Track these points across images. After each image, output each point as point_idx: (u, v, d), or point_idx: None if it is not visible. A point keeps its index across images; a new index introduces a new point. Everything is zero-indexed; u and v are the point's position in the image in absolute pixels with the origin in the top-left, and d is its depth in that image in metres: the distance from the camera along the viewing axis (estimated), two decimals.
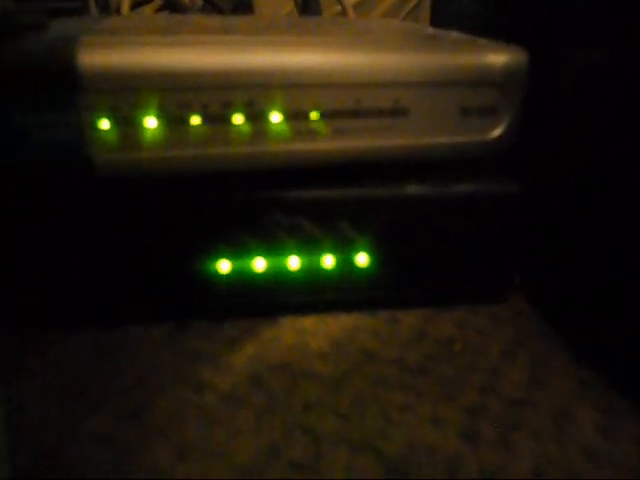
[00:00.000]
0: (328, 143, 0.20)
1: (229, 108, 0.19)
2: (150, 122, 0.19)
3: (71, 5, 0.28)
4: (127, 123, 0.19)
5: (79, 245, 0.20)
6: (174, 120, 0.19)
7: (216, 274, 0.21)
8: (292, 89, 0.19)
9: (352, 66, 0.19)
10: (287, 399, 0.18)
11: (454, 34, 0.24)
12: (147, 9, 0.48)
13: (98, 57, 0.18)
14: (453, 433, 0.17)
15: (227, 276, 0.21)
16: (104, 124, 0.18)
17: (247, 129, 0.19)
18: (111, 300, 0.21)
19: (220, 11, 0.51)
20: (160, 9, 0.52)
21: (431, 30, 0.26)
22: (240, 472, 0.16)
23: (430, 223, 0.21)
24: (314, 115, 0.20)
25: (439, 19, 0.32)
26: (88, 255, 0.20)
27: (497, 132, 0.21)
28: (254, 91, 0.19)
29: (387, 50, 0.20)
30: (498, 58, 0.21)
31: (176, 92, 0.18)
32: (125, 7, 0.49)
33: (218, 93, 0.19)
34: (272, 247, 0.21)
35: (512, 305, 0.23)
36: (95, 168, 0.19)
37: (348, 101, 0.20)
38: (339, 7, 0.41)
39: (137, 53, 0.18)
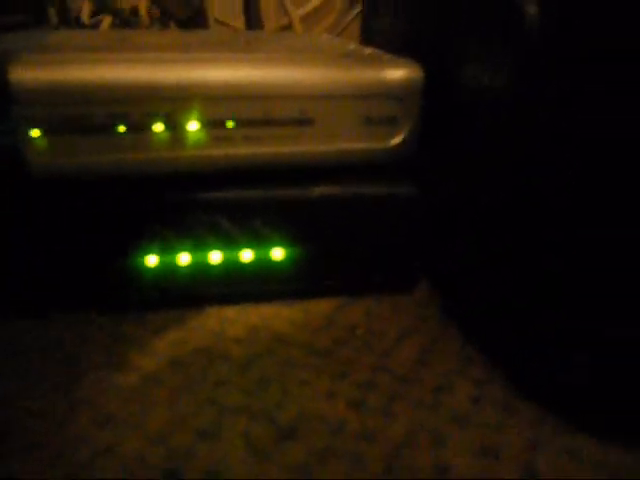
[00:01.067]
0: (241, 149, 0.22)
1: (150, 118, 0.21)
2: (77, 131, 0.21)
3: (17, 20, 0.30)
4: (56, 132, 0.21)
5: (20, 240, 0.22)
6: (100, 129, 0.21)
7: (145, 267, 0.23)
8: (207, 100, 0.22)
9: (261, 80, 0.22)
10: (201, 378, 0.21)
11: (368, 50, 0.27)
12: (105, 19, 0.50)
13: (29, 73, 0.20)
14: (342, 403, 0.19)
15: (154, 269, 0.23)
16: (35, 132, 0.21)
17: (166, 136, 0.22)
18: (49, 293, 0.23)
19: (176, 21, 0.53)
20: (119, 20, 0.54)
21: (352, 46, 0.29)
22: (149, 439, 0.18)
23: (337, 221, 0.24)
24: (228, 124, 0.22)
25: (367, 34, 0.34)
26: (27, 250, 0.22)
27: (397, 140, 0.24)
28: (173, 102, 0.21)
29: (298, 65, 0.22)
30: (397, 73, 0.23)
31: (101, 104, 0.21)
32: (85, 17, 0.51)
33: (140, 104, 0.21)
34: (195, 243, 0.23)
35: (415, 296, 0.26)
36: (30, 172, 0.21)
37: (258, 111, 0.22)
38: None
39: (65, 70, 0.20)
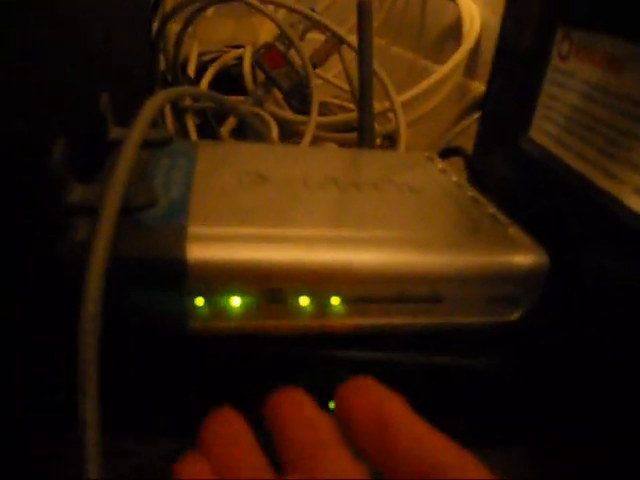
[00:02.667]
0: (371, 320, 0.25)
1: (298, 293, 0.24)
2: (235, 302, 0.23)
3: (162, 136, 0.33)
4: (216, 302, 0.23)
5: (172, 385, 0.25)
6: (252, 299, 0.23)
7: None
8: (349, 281, 0.24)
9: (400, 265, 0.24)
10: None
11: (490, 209, 0.29)
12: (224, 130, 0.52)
13: (202, 253, 0.22)
14: None
15: None
16: (199, 302, 0.23)
17: (311, 309, 0.24)
18: None
19: (280, 88, 0.55)
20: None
21: (471, 193, 0.31)
22: None
23: (446, 387, 0.26)
24: (365, 300, 0.24)
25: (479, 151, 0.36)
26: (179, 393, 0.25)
27: (516, 315, 0.26)
28: (320, 282, 0.24)
29: (433, 250, 0.24)
30: (525, 260, 0.25)
31: (259, 282, 0.23)
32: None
33: (291, 283, 0.23)
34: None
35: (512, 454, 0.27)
36: (189, 332, 0.24)
37: (394, 290, 0.24)
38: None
39: (235, 251, 0.23)
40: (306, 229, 0.25)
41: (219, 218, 0.25)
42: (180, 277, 0.22)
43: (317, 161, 0.33)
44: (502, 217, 0.28)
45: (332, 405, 0.19)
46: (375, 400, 0.18)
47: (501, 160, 0.32)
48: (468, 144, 0.45)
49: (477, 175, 0.36)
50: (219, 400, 0.25)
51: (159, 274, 0.22)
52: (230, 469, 0.17)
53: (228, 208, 0.26)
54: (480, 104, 0.45)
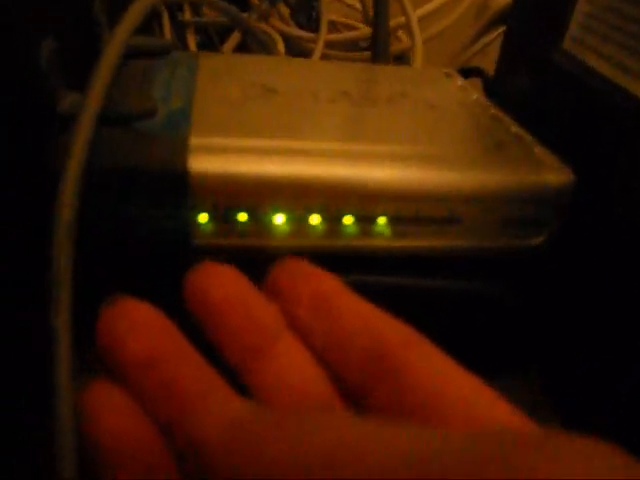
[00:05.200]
0: (388, 242, 0.23)
1: (308, 211, 0.22)
2: (241, 218, 0.22)
3: (162, 44, 0.30)
4: (221, 219, 0.22)
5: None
6: (261, 218, 0.22)
7: None
8: (362, 198, 0.22)
9: (414, 182, 0.22)
10: None
11: (514, 128, 0.27)
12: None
13: (205, 166, 0.21)
14: None
15: None
16: (203, 218, 0.22)
17: (321, 228, 0.23)
18: None
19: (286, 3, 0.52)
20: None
21: (493, 111, 0.28)
22: None
23: (462, 309, 0.25)
24: (380, 220, 0.23)
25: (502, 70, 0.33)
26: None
27: (538, 240, 0.24)
28: (332, 198, 0.22)
29: (452, 168, 0.23)
30: (550, 181, 0.23)
31: (268, 197, 0.22)
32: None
33: (302, 199, 0.22)
34: None
35: (525, 380, 0.27)
36: (193, 251, 0.22)
37: (411, 210, 0.23)
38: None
39: (235, 163, 0.21)
40: (317, 142, 0.23)
41: (223, 129, 0.23)
42: (182, 190, 0.21)
43: (328, 75, 0.31)
44: (526, 136, 0.26)
45: None
46: (313, 279, 0.16)
47: (528, 77, 0.30)
48: (486, 65, 0.42)
49: (497, 97, 0.33)
50: None
51: (159, 187, 0.21)
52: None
53: (233, 119, 0.24)
54: (502, 19, 0.42)
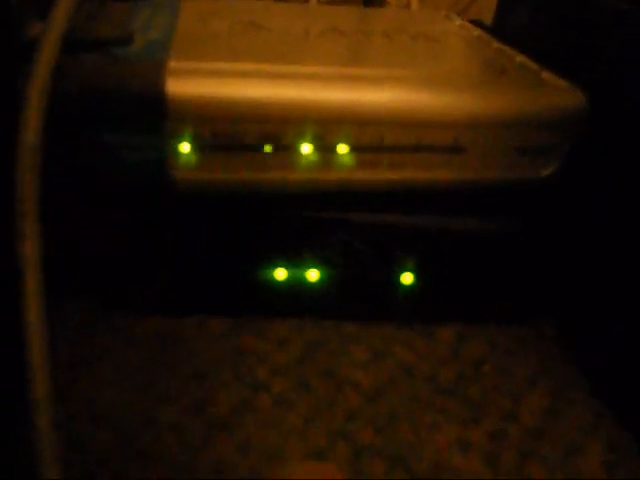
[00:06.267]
0: (387, 174, 0.21)
1: (299, 139, 0.20)
2: (225, 148, 0.20)
3: None
4: (206, 148, 0.20)
5: (155, 245, 0.22)
6: (248, 148, 0.20)
7: (274, 280, 0.23)
8: (357, 125, 0.20)
9: (414, 106, 0.20)
10: (330, 406, 0.21)
11: (519, 58, 0.25)
12: None
13: (184, 88, 0.19)
14: (476, 457, 0.19)
15: (283, 282, 0.23)
16: (185, 147, 0.20)
17: (313, 159, 0.21)
18: (179, 294, 0.23)
19: None
20: None
21: (496, 45, 0.27)
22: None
23: (468, 251, 0.23)
24: (378, 149, 0.21)
25: (501, 19, 0.31)
26: (163, 255, 0.22)
27: (549, 171, 0.22)
28: (323, 125, 0.20)
29: (448, 90, 0.21)
30: (559, 103, 0.21)
31: (252, 123, 0.20)
32: None
33: (289, 125, 0.20)
34: (325, 261, 0.23)
35: (540, 329, 0.25)
36: (174, 186, 0.20)
37: (410, 138, 0.21)
38: None
39: (220, 85, 0.19)
40: (307, 67, 0.21)
41: (205, 55, 0.21)
42: (159, 114, 0.19)
43: (320, 14, 0.29)
44: (533, 64, 0.24)
45: None
46: None
47: (531, 13, 0.28)
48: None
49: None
50: (208, 267, 0.23)
51: (135, 111, 0.19)
52: None
53: (216, 47, 0.22)
54: None
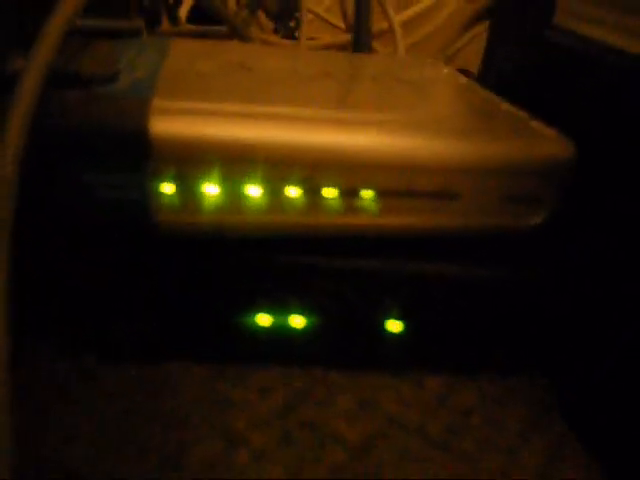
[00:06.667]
0: (378, 219, 0.21)
1: (286, 182, 0.20)
2: (211, 190, 0.20)
3: (133, 26, 0.29)
4: (190, 189, 0.19)
5: (135, 289, 0.21)
6: (233, 190, 0.20)
7: (257, 326, 0.22)
8: (346, 168, 0.20)
9: (406, 150, 0.20)
10: (315, 460, 0.20)
11: (508, 107, 0.25)
12: None
13: (169, 127, 0.19)
14: None
15: (266, 328, 0.22)
16: (167, 189, 0.19)
17: (301, 202, 0.20)
18: (160, 339, 0.22)
19: (266, 12, 0.51)
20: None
21: (483, 93, 0.27)
22: None
23: (459, 300, 0.22)
24: (366, 193, 0.20)
25: (488, 67, 0.32)
26: (143, 298, 0.21)
27: (538, 219, 0.22)
28: (311, 168, 0.20)
29: (440, 135, 0.21)
30: (548, 151, 0.21)
31: (238, 164, 0.19)
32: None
33: (276, 168, 0.20)
34: (311, 307, 0.22)
35: (532, 381, 0.24)
36: (156, 228, 0.20)
37: (402, 182, 0.20)
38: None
39: (205, 126, 0.19)
40: (296, 108, 0.21)
41: (192, 94, 0.21)
42: (142, 153, 0.18)
43: (310, 58, 0.29)
44: (521, 113, 0.24)
45: None
46: None
47: (518, 63, 0.29)
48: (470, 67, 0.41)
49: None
50: (189, 310, 0.22)
51: (117, 149, 0.18)
52: None
53: (204, 87, 0.22)
54: (485, 13, 0.41)
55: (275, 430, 0.21)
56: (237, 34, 0.39)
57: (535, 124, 0.23)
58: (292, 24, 0.50)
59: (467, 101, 0.25)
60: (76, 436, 0.19)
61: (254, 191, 0.20)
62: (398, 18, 0.44)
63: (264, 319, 0.22)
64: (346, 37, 0.47)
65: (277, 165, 0.19)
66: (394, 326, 0.23)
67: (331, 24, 0.58)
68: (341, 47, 0.47)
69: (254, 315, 0.22)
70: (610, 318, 0.22)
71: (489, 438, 0.21)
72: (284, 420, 0.21)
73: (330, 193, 0.20)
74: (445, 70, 0.30)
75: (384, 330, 0.23)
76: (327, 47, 0.47)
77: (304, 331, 0.22)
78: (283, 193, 0.20)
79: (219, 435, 0.20)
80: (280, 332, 0.22)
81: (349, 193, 0.20)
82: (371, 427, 0.21)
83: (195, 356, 0.23)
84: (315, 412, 0.22)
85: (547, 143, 0.21)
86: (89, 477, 0.18)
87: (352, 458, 0.20)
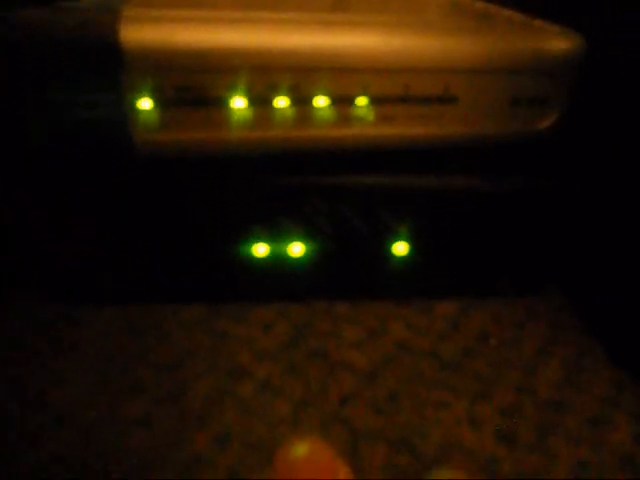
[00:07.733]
0: (372, 129, 0.19)
1: (273, 91, 0.18)
2: (192, 103, 0.18)
3: None
4: (169, 103, 0.18)
5: (115, 223, 0.20)
6: (216, 102, 0.18)
7: (253, 257, 0.21)
8: (338, 73, 0.18)
9: (401, 50, 0.18)
10: (323, 390, 0.18)
11: (507, 12, 0.23)
12: None
13: (141, 35, 0.17)
14: (489, 435, 0.17)
15: (263, 259, 0.21)
16: (145, 104, 0.18)
17: (289, 113, 0.19)
18: (145, 278, 0.21)
19: None
20: None
21: (481, 4, 0.25)
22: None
23: (467, 215, 0.21)
24: (361, 100, 0.19)
25: None
26: (123, 233, 0.20)
27: (546, 123, 0.21)
28: (299, 74, 0.18)
29: (437, 34, 0.19)
30: (555, 46, 0.20)
31: (220, 73, 0.18)
32: None
33: (262, 75, 0.18)
34: (308, 233, 0.21)
35: (547, 299, 0.23)
36: (134, 148, 0.18)
37: (396, 87, 0.19)
38: None
39: (180, 32, 0.17)
40: (280, 12, 0.19)
41: (165, 3, 0.19)
42: (114, 66, 0.17)
43: None
44: (522, 15, 0.22)
45: None
46: None
47: None
48: None
49: None
50: (176, 244, 0.20)
51: (87, 63, 0.17)
52: None
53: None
54: None
55: (282, 362, 0.19)
56: None
57: (539, 23, 0.21)
58: None
59: (466, 6, 0.24)
60: (62, 379, 0.18)
61: (238, 103, 0.18)
62: None
63: (260, 248, 0.21)
64: None
65: (262, 72, 0.18)
66: (399, 249, 0.21)
67: None
68: None
69: (248, 245, 0.21)
70: (626, 228, 0.20)
71: (507, 359, 0.20)
72: (290, 353, 0.20)
73: (321, 101, 0.19)
74: None
75: (388, 254, 0.21)
76: None
77: (303, 260, 0.21)
78: (270, 104, 0.18)
79: (222, 371, 0.19)
80: (278, 264, 0.21)
81: (342, 101, 0.19)
82: (380, 353, 0.20)
83: (188, 296, 0.22)
84: (321, 343, 0.20)
85: (550, 37, 0.20)
86: (75, 461, 0.17)
87: (360, 385, 0.19)
